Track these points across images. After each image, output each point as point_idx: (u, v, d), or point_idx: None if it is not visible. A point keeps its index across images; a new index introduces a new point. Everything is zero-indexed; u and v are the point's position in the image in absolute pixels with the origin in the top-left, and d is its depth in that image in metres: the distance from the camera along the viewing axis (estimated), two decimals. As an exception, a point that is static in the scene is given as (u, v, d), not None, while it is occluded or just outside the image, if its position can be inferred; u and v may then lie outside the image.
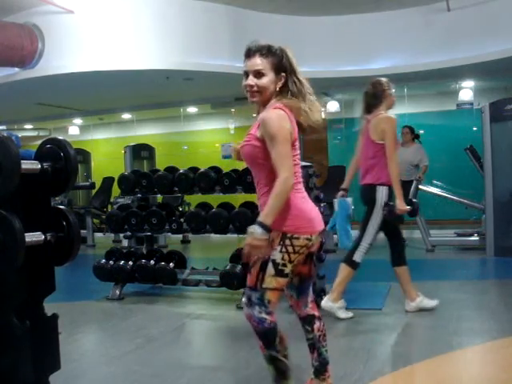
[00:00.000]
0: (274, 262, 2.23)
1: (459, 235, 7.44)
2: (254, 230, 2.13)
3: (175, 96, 9.70)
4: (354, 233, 4.24)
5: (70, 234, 2.33)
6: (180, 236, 8.75)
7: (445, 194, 7.54)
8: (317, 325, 2.44)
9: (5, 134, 2.10)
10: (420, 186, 7.38)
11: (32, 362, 2.20)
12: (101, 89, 8.69)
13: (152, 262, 4.85)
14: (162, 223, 4.90)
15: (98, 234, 9.75)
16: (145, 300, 4.90)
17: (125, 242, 7.70)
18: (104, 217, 8.88)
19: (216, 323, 4.09)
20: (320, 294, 4.24)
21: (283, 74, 2.39)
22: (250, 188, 4.70)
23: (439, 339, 3.35)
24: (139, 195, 5.24)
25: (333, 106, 10.16)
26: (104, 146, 12.95)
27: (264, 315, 2.22)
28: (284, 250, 2.23)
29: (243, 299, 2.48)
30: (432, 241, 7.25)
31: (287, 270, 2.25)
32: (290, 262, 2.24)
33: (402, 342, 3.43)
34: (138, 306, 4.66)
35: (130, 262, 4.88)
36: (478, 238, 7.05)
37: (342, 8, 7.70)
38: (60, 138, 2.38)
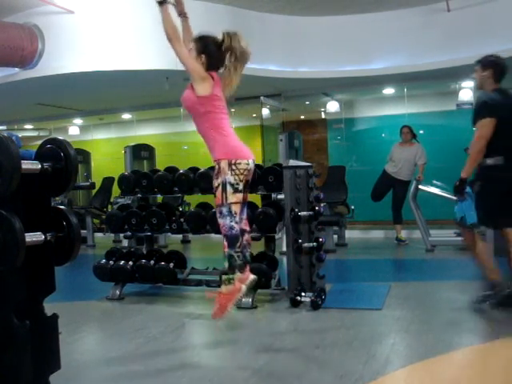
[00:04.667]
0: (230, 183, 3.08)
1: (459, 235, 7.42)
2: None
3: (175, 96, 9.67)
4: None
5: (70, 234, 2.33)
6: (180, 236, 8.75)
7: (445, 194, 7.53)
8: (245, 236, 3.23)
9: (5, 134, 2.10)
10: (420, 186, 7.38)
11: (32, 362, 2.20)
12: (101, 89, 8.68)
13: (152, 261, 4.85)
14: (161, 223, 4.90)
15: (98, 234, 9.75)
16: (145, 300, 4.90)
17: (125, 242, 7.70)
18: (104, 217, 8.87)
19: (216, 323, 4.09)
20: (320, 293, 4.24)
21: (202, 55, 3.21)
22: (250, 188, 4.70)
23: (439, 339, 3.35)
24: (139, 195, 5.24)
25: (333, 106, 10.16)
26: (104, 146, 12.95)
27: (233, 224, 3.08)
28: (233, 173, 3.08)
29: (225, 242, 3.15)
30: (432, 241, 7.25)
31: (240, 186, 3.11)
32: (240, 180, 3.11)
33: (402, 341, 3.43)
34: (138, 306, 4.66)
35: (130, 262, 4.88)
36: (477, 238, 7.03)
37: (342, 8, 7.70)
38: (60, 138, 2.38)
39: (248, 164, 3.14)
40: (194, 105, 3.17)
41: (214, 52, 3.20)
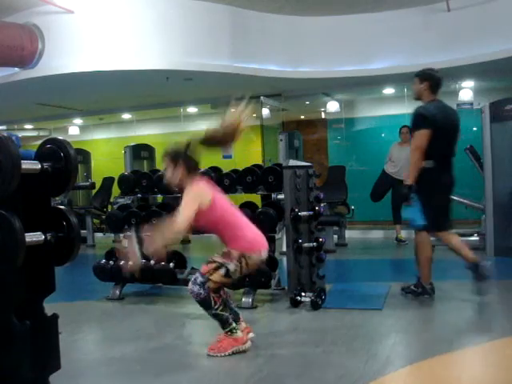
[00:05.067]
0: (227, 268, 3.10)
1: (459, 235, 7.42)
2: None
3: (175, 96, 9.70)
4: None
5: (70, 234, 2.33)
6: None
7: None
8: (222, 291, 3.28)
9: (5, 134, 2.10)
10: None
11: (32, 362, 2.20)
12: (101, 89, 8.68)
13: (152, 262, 4.84)
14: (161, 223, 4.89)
15: (98, 234, 9.75)
16: (145, 300, 4.89)
17: (125, 242, 7.69)
18: (104, 217, 8.88)
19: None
20: (320, 293, 4.24)
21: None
22: (250, 188, 4.70)
23: (439, 339, 3.35)
24: (139, 195, 5.24)
25: (333, 106, 10.16)
26: (104, 146, 12.95)
27: (201, 291, 3.09)
28: (240, 265, 3.11)
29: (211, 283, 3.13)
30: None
31: (235, 275, 3.16)
32: (241, 272, 3.17)
33: (402, 342, 3.42)
34: (138, 306, 4.66)
35: (130, 262, 4.87)
36: (477, 238, 7.04)
37: (342, 8, 7.70)
38: (60, 138, 2.38)
39: (260, 256, 3.17)
40: (206, 218, 3.12)
41: (188, 161, 3.18)
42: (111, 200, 9.55)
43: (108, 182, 10.15)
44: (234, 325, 3.20)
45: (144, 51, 7.21)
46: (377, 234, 9.15)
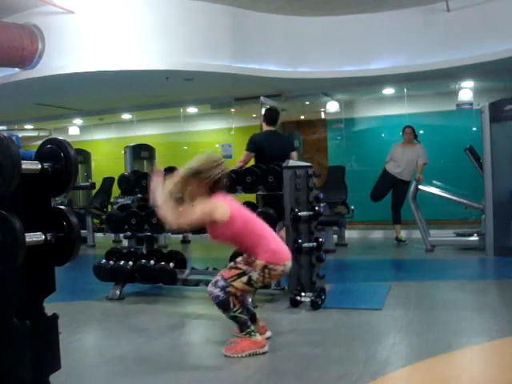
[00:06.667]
0: (250, 277, 3.12)
1: (459, 235, 7.43)
2: None
3: (175, 96, 9.70)
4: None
5: (70, 234, 2.33)
6: (180, 236, 8.76)
7: (445, 194, 7.54)
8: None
9: (5, 134, 2.10)
10: (420, 186, 7.38)
11: (32, 362, 2.20)
12: (101, 89, 8.68)
13: (152, 261, 4.85)
14: (161, 223, 4.89)
15: (98, 234, 9.75)
16: (145, 300, 4.90)
17: (125, 242, 7.70)
18: (104, 217, 8.88)
19: (216, 323, 4.09)
20: (320, 293, 4.24)
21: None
22: (249, 188, 4.70)
23: (439, 339, 3.35)
24: (139, 195, 5.24)
25: (333, 106, 10.15)
26: (104, 146, 12.96)
27: (220, 294, 3.09)
28: (263, 274, 3.11)
29: (216, 278, 3.19)
30: (432, 241, 7.25)
31: (256, 285, 3.18)
32: (263, 283, 3.18)
33: (402, 341, 3.43)
34: (138, 306, 4.66)
35: (130, 262, 4.88)
36: (477, 238, 7.04)
37: (342, 8, 7.70)
38: (60, 138, 2.38)
39: (285, 267, 3.16)
40: (222, 231, 3.14)
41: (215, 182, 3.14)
42: (111, 200, 9.57)
43: (108, 182, 10.16)
44: (252, 327, 3.19)
45: (144, 51, 7.21)
46: (377, 234, 9.16)
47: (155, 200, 3.10)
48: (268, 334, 3.36)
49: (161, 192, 3.08)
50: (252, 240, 3.16)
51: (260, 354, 3.16)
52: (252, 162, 5.32)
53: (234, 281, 3.11)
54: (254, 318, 3.31)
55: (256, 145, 5.35)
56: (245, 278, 3.11)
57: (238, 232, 3.13)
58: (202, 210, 3.05)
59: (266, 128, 5.52)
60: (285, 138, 6.12)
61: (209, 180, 3.09)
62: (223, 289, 3.09)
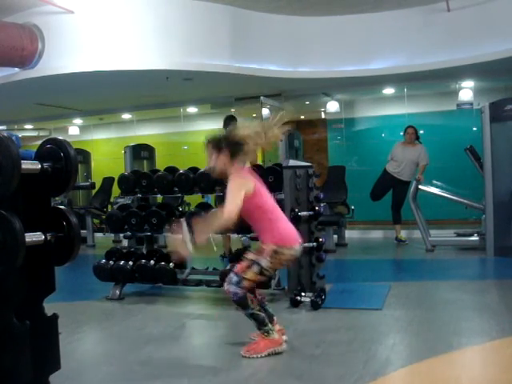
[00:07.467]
0: (261, 265, 3.12)
1: (459, 235, 7.43)
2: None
3: (175, 96, 9.70)
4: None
5: (70, 234, 2.33)
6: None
7: (445, 194, 7.54)
8: (257, 292, 3.35)
9: (5, 134, 2.10)
10: (420, 186, 7.38)
11: (32, 362, 2.20)
12: (101, 89, 8.68)
13: (152, 261, 4.85)
14: (161, 223, 4.90)
15: (98, 234, 9.74)
16: (145, 300, 4.90)
17: (125, 242, 7.70)
18: (104, 217, 8.87)
19: (216, 323, 4.09)
20: (320, 293, 4.24)
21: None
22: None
23: (439, 339, 3.35)
24: (139, 195, 5.24)
25: (333, 106, 10.15)
26: (104, 146, 12.95)
27: (238, 290, 3.09)
28: (272, 260, 3.12)
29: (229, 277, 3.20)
30: (432, 241, 7.25)
31: (268, 273, 3.20)
32: (274, 269, 3.30)
33: (402, 341, 3.42)
34: (138, 306, 4.66)
35: (130, 262, 4.88)
36: (477, 238, 7.04)
37: (342, 8, 7.69)
38: (60, 138, 2.38)
39: (295, 251, 3.19)
40: (246, 206, 3.10)
41: (232, 147, 3.14)
42: (111, 200, 9.56)
43: (108, 182, 10.15)
44: (269, 326, 3.19)
45: (144, 51, 7.21)
46: (377, 234, 9.15)
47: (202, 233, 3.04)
48: (284, 337, 3.31)
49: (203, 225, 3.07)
50: (265, 218, 3.17)
51: (278, 352, 3.16)
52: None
53: (245, 273, 3.12)
54: (271, 320, 3.29)
55: None
56: (256, 268, 3.12)
57: (257, 207, 3.14)
58: (234, 193, 3.04)
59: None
60: None
61: (225, 148, 3.10)
62: (238, 284, 3.09)
